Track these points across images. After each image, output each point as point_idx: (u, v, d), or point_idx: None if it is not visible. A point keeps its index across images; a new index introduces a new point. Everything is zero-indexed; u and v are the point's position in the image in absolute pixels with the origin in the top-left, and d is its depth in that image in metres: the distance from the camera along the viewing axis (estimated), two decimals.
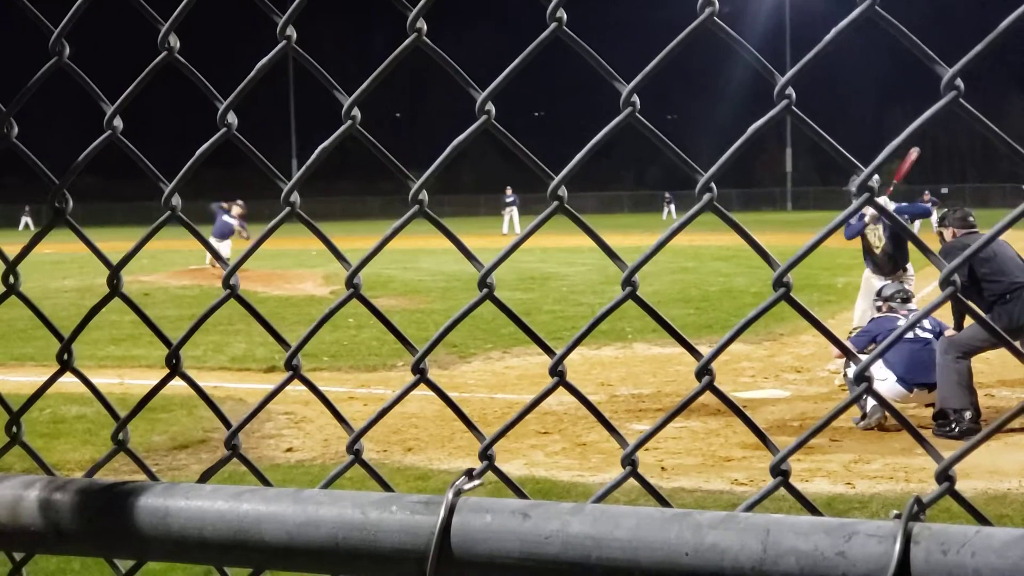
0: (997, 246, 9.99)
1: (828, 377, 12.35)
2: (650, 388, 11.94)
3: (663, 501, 1.12)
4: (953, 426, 9.30)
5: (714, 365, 1.16)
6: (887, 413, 9.46)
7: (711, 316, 17.84)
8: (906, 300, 10.52)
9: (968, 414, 9.33)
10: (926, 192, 42.37)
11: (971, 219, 10.54)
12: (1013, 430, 9.47)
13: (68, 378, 1.52)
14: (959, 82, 1.07)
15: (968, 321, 10.29)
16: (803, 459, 8.44)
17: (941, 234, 10.81)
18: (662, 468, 8.32)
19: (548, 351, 1.20)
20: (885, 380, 9.62)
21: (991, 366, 12.09)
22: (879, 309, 10.79)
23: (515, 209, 52.36)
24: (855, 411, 9.71)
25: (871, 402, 9.46)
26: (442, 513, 1.08)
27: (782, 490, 1.16)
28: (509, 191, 53.24)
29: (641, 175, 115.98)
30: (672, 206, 73.11)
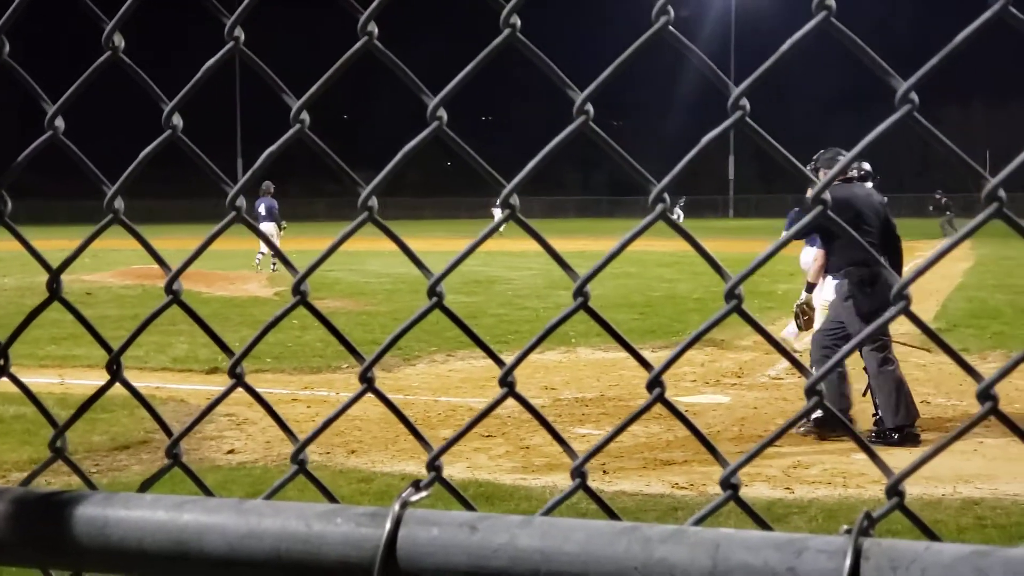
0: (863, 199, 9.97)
1: (767, 383, 12.45)
2: (593, 392, 11.98)
3: (612, 514, 1.11)
4: (893, 433, 9.41)
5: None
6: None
7: (654, 321, 17.95)
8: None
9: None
10: None
11: (841, 158, 8.99)
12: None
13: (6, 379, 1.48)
14: (913, 95, 1.07)
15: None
16: None
17: (815, 173, 9.78)
18: (603, 471, 8.33)
19: (498, 361, 1.18)
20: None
21: (927, 373, 12.28)
22: None
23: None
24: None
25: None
26: (388, 526, 1.06)
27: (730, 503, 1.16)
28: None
29: (587, 180, 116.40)
30: (679, 208, 61.22)
